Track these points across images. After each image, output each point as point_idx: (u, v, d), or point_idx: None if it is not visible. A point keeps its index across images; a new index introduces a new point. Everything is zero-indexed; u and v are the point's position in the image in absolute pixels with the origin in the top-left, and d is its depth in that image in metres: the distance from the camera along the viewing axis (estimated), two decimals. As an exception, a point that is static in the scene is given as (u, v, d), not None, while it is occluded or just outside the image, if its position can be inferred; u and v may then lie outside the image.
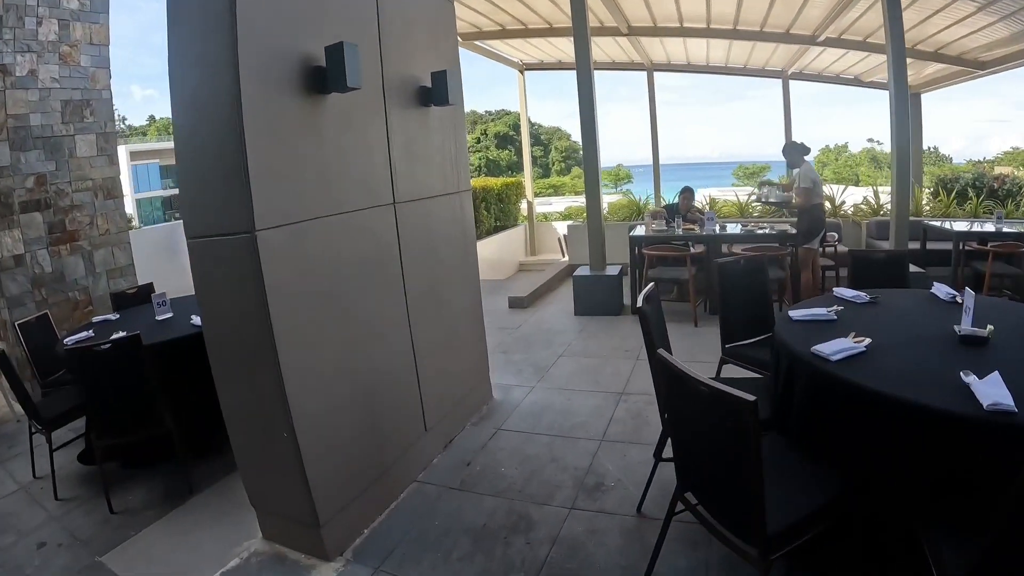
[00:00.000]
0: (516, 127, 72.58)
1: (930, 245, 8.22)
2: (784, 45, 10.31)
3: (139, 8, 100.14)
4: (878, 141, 75.44)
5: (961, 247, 7.60)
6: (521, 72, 14.13)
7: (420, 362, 4.05)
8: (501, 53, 12.80)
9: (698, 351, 6.06)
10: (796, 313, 3.55)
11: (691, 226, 7.72)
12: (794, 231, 7.34)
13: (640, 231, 7.84)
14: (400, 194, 3.79)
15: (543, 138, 73.12)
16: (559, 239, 13.79)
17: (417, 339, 4.01)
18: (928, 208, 10.20)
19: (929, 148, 74.58)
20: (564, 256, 13.51)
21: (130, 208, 46.35)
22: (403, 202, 3.83)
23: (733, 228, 7.75)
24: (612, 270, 7.72)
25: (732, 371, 4.37)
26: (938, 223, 8.33)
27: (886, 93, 7.04)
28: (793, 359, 2.96)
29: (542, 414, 4.87)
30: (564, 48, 12.17)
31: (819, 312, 3.51)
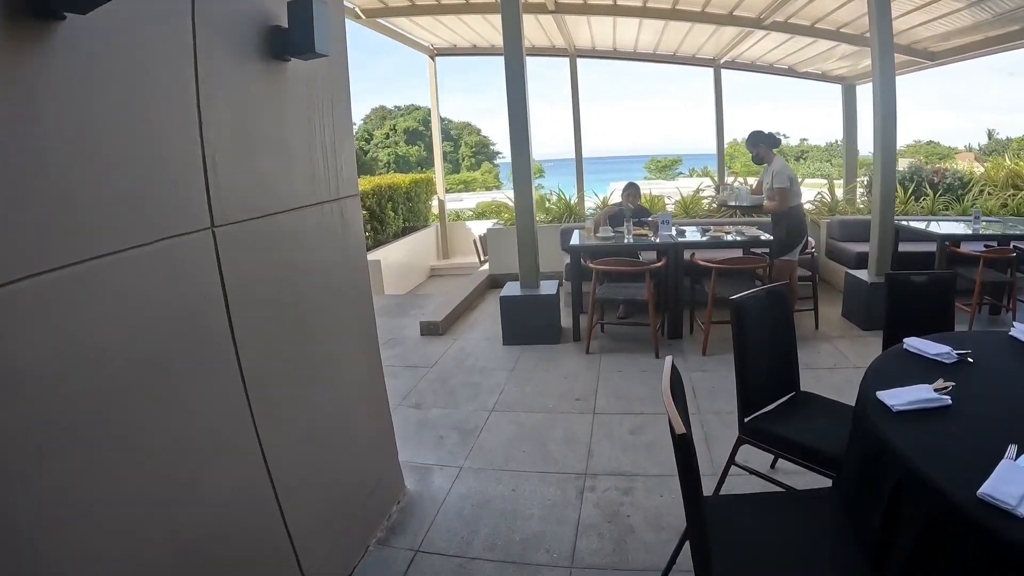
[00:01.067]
0: (426, 122, 70.61)
1: (901, 247, 7.07)
2: (723, 29, 9.11)
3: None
4: (784, 134, 77.26)
5: (946, 251, 6.51)
6: (432, 58, 12.51)
7: (279, 475, 2.37)
8: (410, 35, 11.09)
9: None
10: (893, 400, 2.12)
11: (642, 231, 6.28)
12: (764, 235, 6.03)
13: (579, 238, 6.35)
14: (225, 210, 2.06)
15: (453, 133, 71.34)
16: (474, 241, 12.21)
17: (271, 440, 2.32)
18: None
19: (835, 141, 77.16)
20: (480, 259, 11.98)
21: None
22: (232, 223, 2.09)
23: (692, 233, 6.35)
24: (547, 287, 6.20)
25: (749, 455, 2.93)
26: (916, 223, 7.21)
27: (819, 85, 5.91)
28: (936, 504, 1.60)
29: (478, 518, 3.24)
30: (479, 29, 10.59)
31: (924, 396, 2.11)
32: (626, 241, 6.03)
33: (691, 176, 62.37)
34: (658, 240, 6.07)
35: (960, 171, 10.90)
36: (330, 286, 2.80)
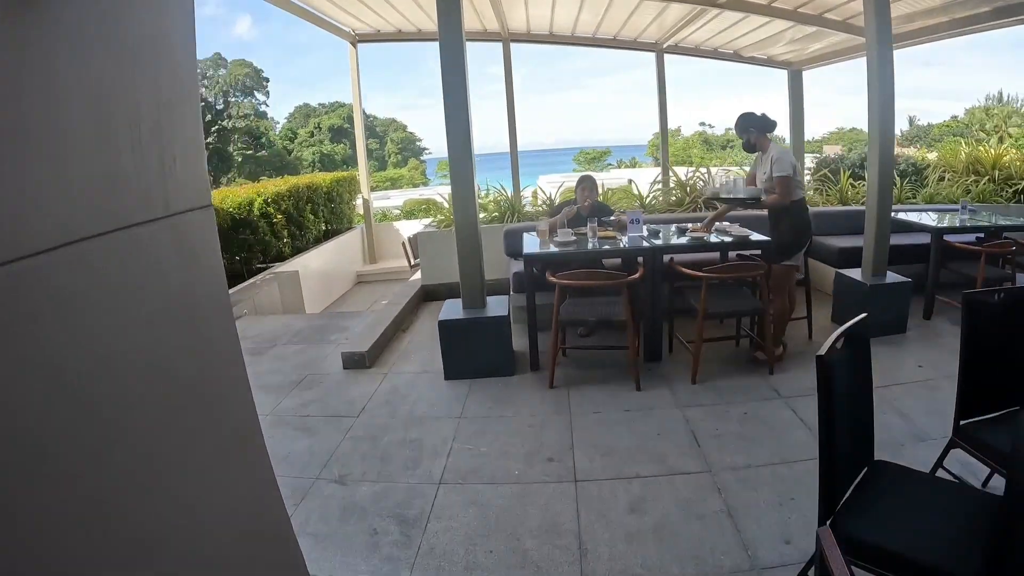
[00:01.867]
0: (350, 119, 67.41)
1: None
2: (672, 7, 8.13)
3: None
4: (709, 124, 78.49)
5: (942, 245, 5.69)
6: (353, 44, 11.12)
7: None
8: (329, 18, 9.70)
9: (680, 447, 3.56)
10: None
11: (607, 233, 5.18)
12: (754, 234, 5.02)
13: (532, 243, 5.21)
14: None
15: (378, 130, 69.61)
16: (403, 244, 10.95)
17: None
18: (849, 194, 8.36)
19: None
20: (410, 263, 10.73)
21: None
22: None
23: (668, 235, 5.27)
24: (496, 305, 5.01)
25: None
26: (904, 215, 6.37)
27: (761, 71, 5.00)
28: None
29: None
30: (406, 11, 9.29)
31: None
32: (591, 246, 4.91)
33: (620, 167, 62.49)
34: (627, 243, 4.99)
35: (912, 157, 10.24)
36: (154, 365, 1.55)
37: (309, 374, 5.18)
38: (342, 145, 64.41)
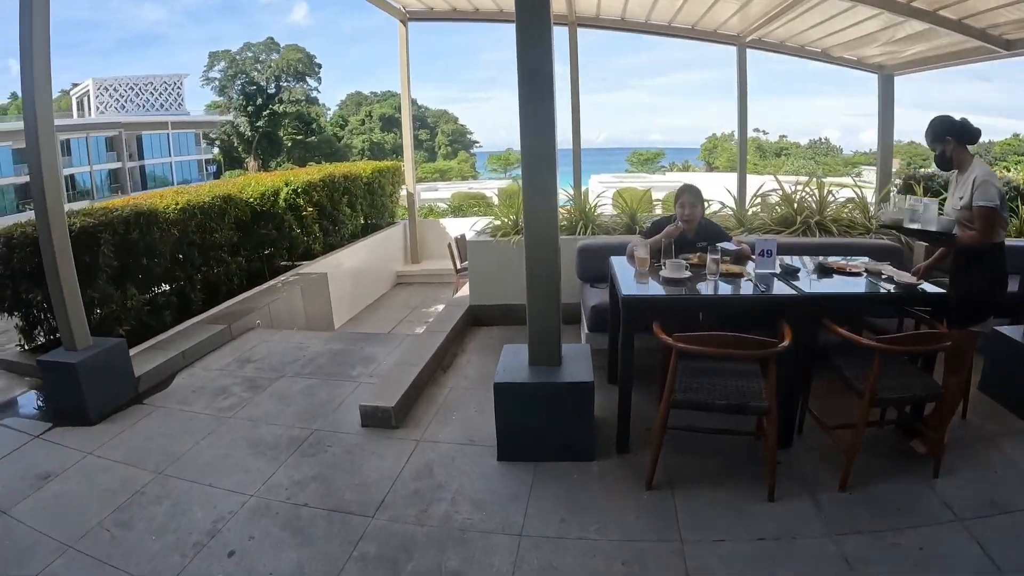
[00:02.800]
0: (401, 109, 66.21)
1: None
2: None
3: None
4: (763, 131, 75.87)
5: None
6: (404, 23, 9.93)
7: None
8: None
9: None
10: None
11: (732, 268, 3.74)
12: (918, 283, 3.53)
13: (625, 272, 3.80)
14: None
15: (429, 121, 68.71)
16: (449, 245, 9.64)
17: None
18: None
19: (820, 139, 75.64)
20: (456, 266, 9.42)
21: None
22: None
23: (802, 272, 3.80)
24: (573, 363, 3.55)
25: None
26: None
27: (830, 73, 4.05)
28: None
29: None
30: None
31: None
32: (711, 288, 3.47)
33: (672, 170, 60.44)
34: (757, 284, 3.54)
35: (1015, 180, 8.42)
36: None
37: (317, 429, 3.85)
38: (392, 134, 63.48)
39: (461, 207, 18.16)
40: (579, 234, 5.96)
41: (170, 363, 4.92)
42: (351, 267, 8.90)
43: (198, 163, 55.49)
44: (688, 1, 7.95)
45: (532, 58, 3.19)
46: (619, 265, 3.98)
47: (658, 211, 8.17)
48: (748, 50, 9.33)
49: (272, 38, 58.13)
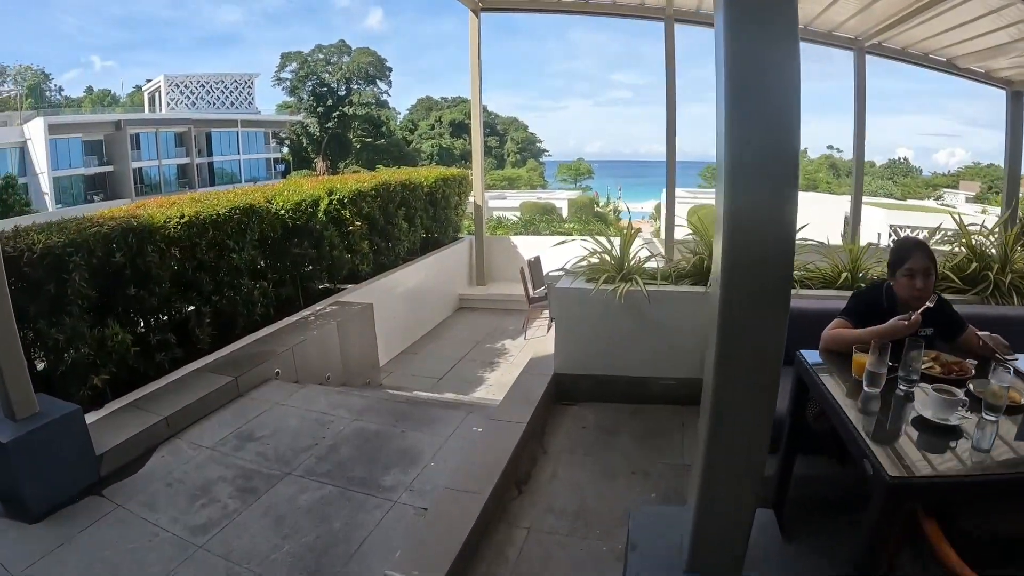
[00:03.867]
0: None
1: None
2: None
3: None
4: (837, 148, 72.31)
5: None
6: (476, 13, 8.63)
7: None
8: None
9: None
10: None
11: (1014, 392, 2.10)
12: None
13: (849, 396, 2.23)
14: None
15: (499, 128, 67.81)
16: (522, 270, 8.18)
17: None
18: None
19: (899, 159, 71.53)
20: (529, 294, 7.97)
21: (46, 186, 40.11)
22: None
23: None
24: None
25: None
26: None
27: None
28: None
29: None
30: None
31: None
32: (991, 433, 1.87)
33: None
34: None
35: None
36: None
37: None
38: (461, 140, 62.92)
39: (532, 221, 16.79)
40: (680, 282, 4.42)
41: (148, 433, 3.58)
42: (406, 290, 7.53)
43: (266, 161, 55.87)
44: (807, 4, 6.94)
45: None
46: (829, 378, 2.38)
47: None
48: (868, 56, 8.27)
49: (344, 40, 58.40)
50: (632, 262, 4.63)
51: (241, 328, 5.00)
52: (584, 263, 4.75)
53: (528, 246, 9.89)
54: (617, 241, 4.70)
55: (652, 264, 4.77)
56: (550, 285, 7.29)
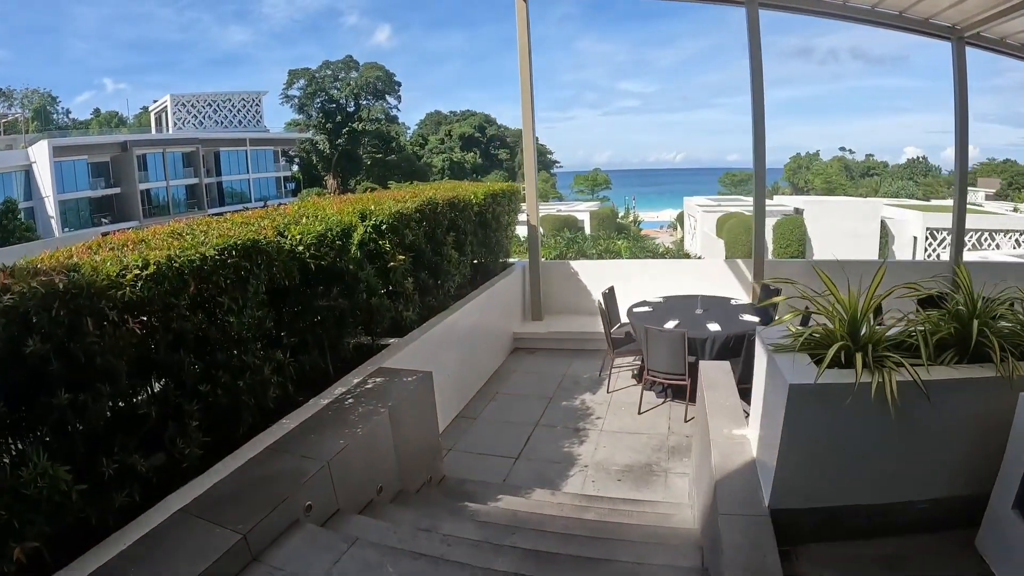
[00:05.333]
0: (481, 128, 65.89)
1: None
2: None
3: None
4: (850, 150, 70.39)
5: None
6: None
7: None
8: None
9: None
10: None
11: None
12: None
13: None
14: None
15: (509, 140, 66.47)
16: (599, 304, 6.56)
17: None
18: None
19: (919, 156, 69.40)
20: (608, 331, 6.35)
21: (51, 210, 39.09)
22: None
23: None
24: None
25: None
26: None
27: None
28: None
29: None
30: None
31: None
32: None
33: (779, 193, 55.63)
34: None
35: None
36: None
37: None
38: (472, 154, 61.87)
39: (575, 240, 15.20)
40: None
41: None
42: (459, 337, 5.87)
43: (276, 180, 55.01)
44: None
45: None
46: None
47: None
48: (968, 47, 7.57)
49: (351, 56, 57.53)
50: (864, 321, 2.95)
51: (247, 427, 3.33)
52: (786, 330, 3.08)
53: (589, 273, 8.25)
54: (843, 296, 3.01)
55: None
56: (650, 330, 5.61)
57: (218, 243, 3.15)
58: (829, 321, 2.98)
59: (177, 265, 2.92)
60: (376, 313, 4.46)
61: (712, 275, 8.25)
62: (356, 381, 3.99)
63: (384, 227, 4.65)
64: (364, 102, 57.14)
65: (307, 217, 4.09)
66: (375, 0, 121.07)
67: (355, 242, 4.25)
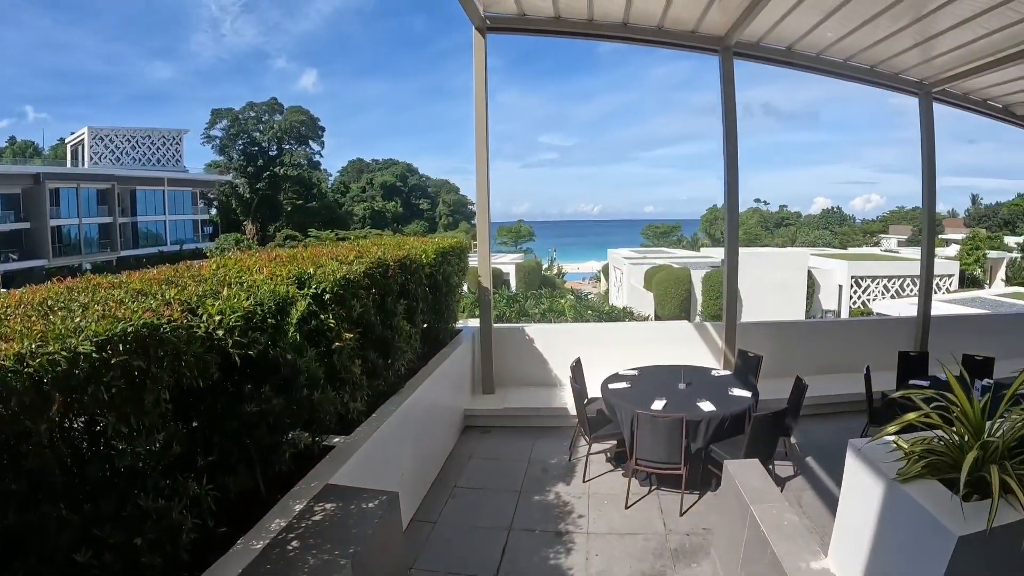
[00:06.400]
0: (403, 178, 65.31)
1: None
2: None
3: (23, 23, 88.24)
4: (764, 201, 73.52)
5: None
6: (482, 32, 6.60)
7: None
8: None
9: None
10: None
11: None
12: None
13: None
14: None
15: (431, 190, 66.11)
16: (573, 385, 5.75)
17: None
18: None
19: (832, 207, 72.78)
20: (584, 418, 5.56)
21: None
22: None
23: None
24: None
25: None
26: None
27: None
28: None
29: None
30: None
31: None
32: None
33: (682, 245, 56.89)
34: None
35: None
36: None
37: None
38: (393, 203, 61.05)
39: (515, 299, 14.41)
40: None
41: None
42: (413, 426, 4.90)
43: (194, 223, 52.71)
44: (876, 45, 6.68)
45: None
46: None
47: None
48: (935, 103, 7.87)
49: (275, 99, 56.22)
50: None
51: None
52: (889, 445, 2.37)
53: (544, 338, 7.48)
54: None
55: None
56: (640, 415, 4.83)
57: (99, 332, 2.14)
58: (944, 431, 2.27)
59: (31, 371, 1.91)
60: (319, 410, 3.47)
61: (679, 339, 7.62)
62: (299, 508, 2.98)
63: (328, 297, 3.70)
64: (287, 146, 55.83)
65: (230, 285, 3.11)
66: (303, 45, 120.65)
67: (293, 321, 3.29)
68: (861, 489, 2.52)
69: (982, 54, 6.56)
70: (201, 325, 2.64)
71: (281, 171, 54.55)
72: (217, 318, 2.71)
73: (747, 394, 5.46)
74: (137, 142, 53.07)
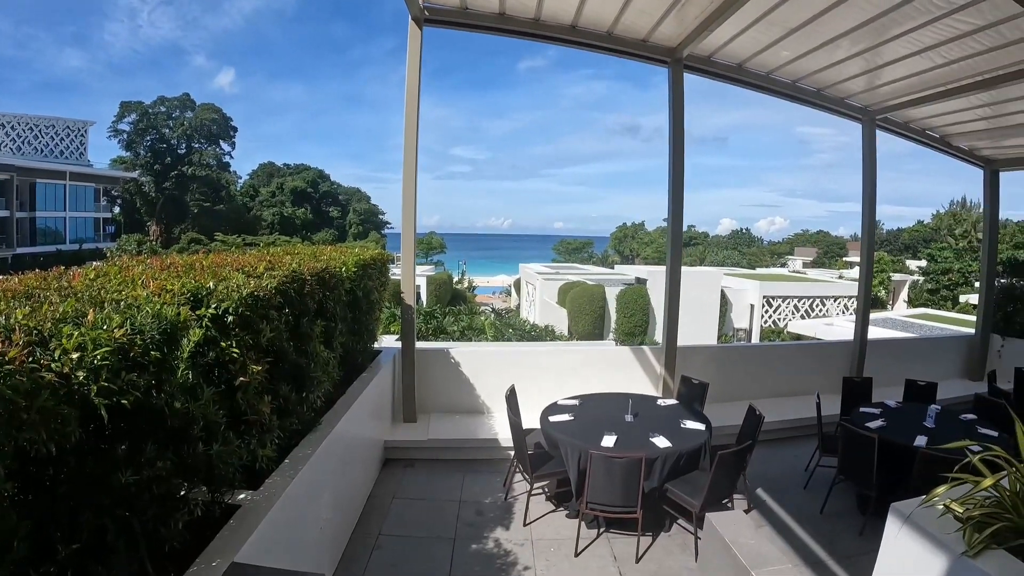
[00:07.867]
0: (315, 184, 63.21)
1: None
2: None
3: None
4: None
5: None
6: (419, 24, 6.02)
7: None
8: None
9: None
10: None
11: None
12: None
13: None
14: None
15: (341, 198, 64.33)
16: (511, 418, 5.20)
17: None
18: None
19: (740, 228, 75.30)
20: (519, 433, 5.02)
21: None
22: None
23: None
24: None
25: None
26: None
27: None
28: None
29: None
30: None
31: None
32: None
33: (592, 262, 57.51)
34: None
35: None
36: None
37: None
38: (303, 209, 59.06)
39: (433, 314, 13.66)
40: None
41: None
42: (331, 469, 4.20)
43: (96, 221, 49.03)
44: (827, 69, 6.77)
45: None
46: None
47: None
48: (879, 130, 8.14)
49: (188, 94, 53.26)
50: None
51: None
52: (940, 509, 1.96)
53: (470, 361, 6.92)
54: None
55: None
56: (594, 456, 4.31)
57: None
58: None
59: None
60: (219, 466, 2.75)
61: (617, 364, 7.20)
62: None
63: (231, 320, 3.00)
64: (197, 145, 53.09)
65: (102, 305, 2.36)
66: (222, 43, 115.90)
67: (185, 353, 2.58)
68: (911, 560, 2.09)
69: (932, 84, 6.68)
70: (53, 365, 1.91)
71: (189, 171, 51.94)
72: (75, 355, 1.98)
73: (701, 427, 5.07)
74: (40, 131, 49.09)
